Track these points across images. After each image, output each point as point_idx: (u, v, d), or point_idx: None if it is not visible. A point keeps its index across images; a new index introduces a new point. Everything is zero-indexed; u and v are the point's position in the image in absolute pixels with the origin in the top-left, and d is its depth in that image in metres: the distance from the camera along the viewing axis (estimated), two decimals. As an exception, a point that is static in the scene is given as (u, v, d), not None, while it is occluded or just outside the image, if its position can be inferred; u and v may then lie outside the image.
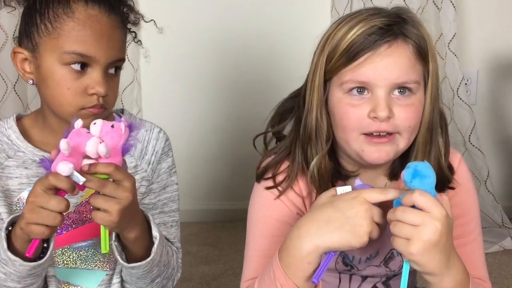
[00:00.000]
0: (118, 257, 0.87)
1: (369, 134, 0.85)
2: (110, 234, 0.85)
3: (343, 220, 0.76)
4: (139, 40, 1.02)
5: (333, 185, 0.92)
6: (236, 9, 2.06)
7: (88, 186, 0.77)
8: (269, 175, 0.94)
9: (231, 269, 1.82)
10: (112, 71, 0.90)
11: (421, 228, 0.72)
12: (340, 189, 0.80)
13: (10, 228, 0.82)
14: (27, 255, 0.78)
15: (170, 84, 2.11)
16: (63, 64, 0.86)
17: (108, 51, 0.87)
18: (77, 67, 0.86)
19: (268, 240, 0.91)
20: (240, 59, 2.09)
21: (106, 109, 0.90)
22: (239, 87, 2.12)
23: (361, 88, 0.85)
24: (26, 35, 0.89)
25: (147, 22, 0.99)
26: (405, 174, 0.74)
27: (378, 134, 0.85)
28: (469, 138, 2.04)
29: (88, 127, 0.79)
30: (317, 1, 2.06)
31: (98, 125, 0.78)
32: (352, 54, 0.84)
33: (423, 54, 0.86)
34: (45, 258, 0.81)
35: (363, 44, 0.84)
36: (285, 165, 0.94)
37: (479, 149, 2.05)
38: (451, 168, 0.95)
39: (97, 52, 0.86)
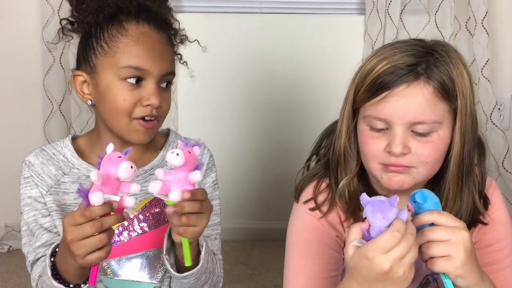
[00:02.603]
0: (170, 269, 0.92)
1: (386, 165, 0.88)
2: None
3: (383, 282, 0.73)
4: (185, 61, 1.09)
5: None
6: (271, 33, 2.11)
7: (188, 211, 0.82)
8: (309, 196, 0.97)
9: (263, 288, 1.86)
10: (163, 85, 0.96)
11: (454, 241, 0.76)
12: (356, 242, 0.75)
13: (53, 256, 0.86)
14: (90, 284, 0.82)
15: (206, 105, 2.17)
16: (120, 79, 0.93)
17: (160, 64, 0.94)
18: (132, 81, 0.93)
19: (309, 261, 0.94)
20: (274, 82, 2.13)
21: (158, 121, 0.97)
22: (273, 109, 2.16)
23: (381, 124, 0.88)
24: (84, 59, 0.96)
25: (191, 42, 1.06)
26: (417, 197, 0.79)
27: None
28: (502, 163, 2.04)
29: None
30: (350, 26, 2.10)
31: (180, 157, 0.80)
32: (373, 91, 0.87)
33: (447, 93, 0.86)
34: (86, 285, 0.85)
35: (383, 83, 0.86)
36: (323, 185, 0.97)
37: (512, 174, 2.04)
38: (486, 201, 0.95)
39: (151, 65, 0.93)
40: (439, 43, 0.91)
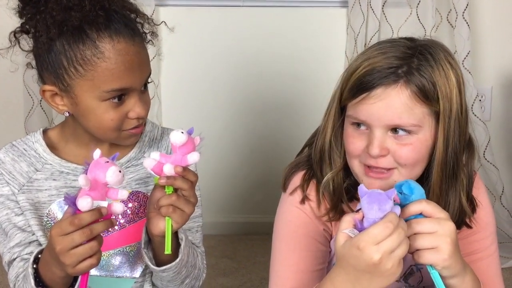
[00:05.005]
0: (149, 263, 0.91)
1: (367, 166, 0.88)
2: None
3: (370, 274, 0.74)
4: (150, 40, 1.01)
5: (353, 199, 0.95)
6: (254, 27, 2.10)
7: (178, 186, 0.84)
8: (296, 184, 0.97)
9: (249, 282, 1.85)
10: (143, 88, 0.94)
11: (441, 233, 0.77)
12: (348, 231, 0.76)
13: (35, 264, 0.85)
14: None
15: (190, 99, 2.15)
16: (103, 100, 0.89)
17: (141, 76, 0.92)
18: (116, 99, 0.90)
19: (296, 255, 0.94)
20: (257, 75, 2.13)
21: (143, 125, 0.97)
22: (257, 105, 2.16)
23: (361, 124, 0.88)
24: (54, 75, 0.90)
25: (158, 25, 1.01)
26: (404, 188, 0.79)
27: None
28: (483, 154, 2.06)
29: (107, 156, 0.82)
30: (333, 19, 2.10)
31: (185, 135, 0.83)
32: (353, 92, 0.87)
33: (426, 96, 0.85)
34: None
35: (363, 84, 0.86)
36: (310, 175, 0.98)
37: (493, 165, 2.07)
38: (473, 204, 0.95)
39: (133, 82, 0.90)
40: (428, 44, 0.90)
